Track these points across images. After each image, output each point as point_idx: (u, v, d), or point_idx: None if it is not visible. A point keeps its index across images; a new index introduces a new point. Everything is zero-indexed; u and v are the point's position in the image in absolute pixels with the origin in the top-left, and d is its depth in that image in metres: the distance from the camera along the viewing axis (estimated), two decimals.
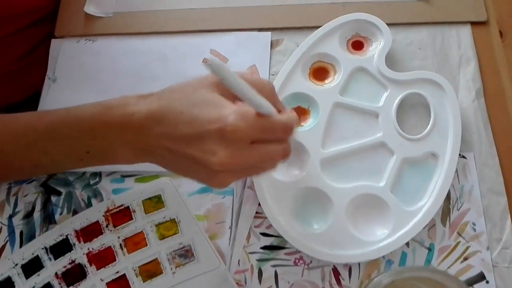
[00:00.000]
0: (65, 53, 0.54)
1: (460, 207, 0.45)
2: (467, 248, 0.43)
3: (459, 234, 0.44)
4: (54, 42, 0.54)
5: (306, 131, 0.46)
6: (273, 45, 0.52)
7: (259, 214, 0.45)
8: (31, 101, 0.55)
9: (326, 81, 0.49)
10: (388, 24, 0.50)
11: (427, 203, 0.43)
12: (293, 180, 0.45)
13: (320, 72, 0.50)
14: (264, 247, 0.44)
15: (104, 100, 0.37)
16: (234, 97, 0.35)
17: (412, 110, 0.48)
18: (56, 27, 0.55)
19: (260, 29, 0.53)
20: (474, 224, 0.44)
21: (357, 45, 0.51)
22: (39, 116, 0.39)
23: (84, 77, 0.53)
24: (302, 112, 0.48)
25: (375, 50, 0.49)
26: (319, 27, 0.51)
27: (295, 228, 0.43)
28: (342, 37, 0.51)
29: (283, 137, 0.36)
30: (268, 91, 0.37)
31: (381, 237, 0.43)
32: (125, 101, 0.36)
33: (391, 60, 0.50)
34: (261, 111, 0.34)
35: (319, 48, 0.50)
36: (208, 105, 0.34)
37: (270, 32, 0.53)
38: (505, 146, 0.47)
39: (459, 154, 0.45)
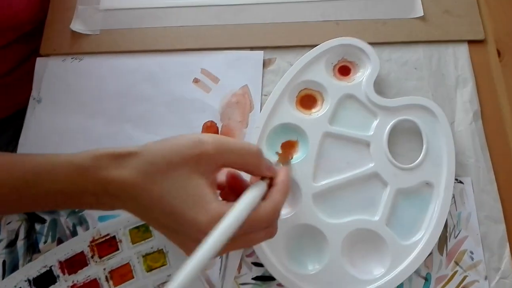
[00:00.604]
0: (50, 73, 0.52)
1: (457, 234, 0.43)
2: (465, 277, 0.42)
3: (457, 263, 0.42)
4: (39, 61, 0.52)
5: (296, 164, 0.44)
6: (265, 64, 0.51)
7: None
8: (16, 117, 0.53)
9: (313, 110, 0.47)
10: (383, 43, 0.49)
11: (424, 237, 0.42)
12: (285, 217, 0.43)
13: (307, 100, 0.48)
14: (256, 278, 0.43)
15: (75, 157, 0.34)
16: (215, 175, 0.35)
17: (404, 137, 0.46)
18: (42, 45, 0.53)
19: (252, 48, 0.52)
20: (471, 252, 0.43)
21: (344, 71, 0.48)
22: (8, 169, 0.36)
23: (70, 97, 0.51)
24: (291, 145, 0.46)
25: (363, 76, 0.47)
26: (313, 46, 0.49)
27: (289, 270, 0.41)
28: (328, 62, 0.48)
29: (267, 226, 0.34)
30: (253, 156, 0.35)
31: (378, 275, 0.41)
32: (98, 163, 0.34)
33: (385, 81, 0.49)
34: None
35: (305, 75, 0.48)
36: (189, 201, 0.32)
37: (262, 51, 0.51)
38: (504, 171, 0.45)
39: (456, 179, 0.44)
